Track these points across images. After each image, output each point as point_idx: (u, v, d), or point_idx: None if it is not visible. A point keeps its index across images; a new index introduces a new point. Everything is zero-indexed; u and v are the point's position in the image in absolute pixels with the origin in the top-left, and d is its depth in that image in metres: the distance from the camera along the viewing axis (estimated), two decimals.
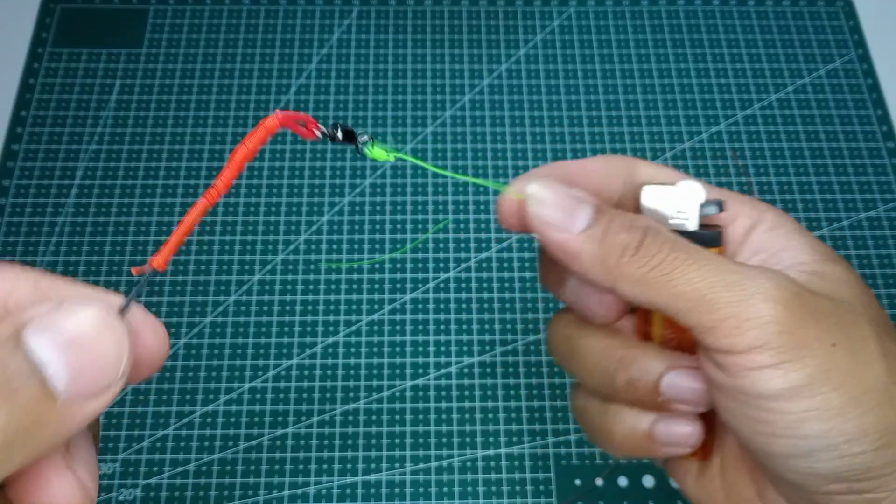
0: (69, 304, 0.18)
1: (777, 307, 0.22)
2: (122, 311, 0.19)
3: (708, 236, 0.24)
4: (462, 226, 0.48)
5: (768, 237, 0.25)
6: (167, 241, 0.21)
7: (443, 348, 0.45)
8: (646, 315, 0.27)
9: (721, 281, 0.22)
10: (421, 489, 0.41)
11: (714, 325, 0.22)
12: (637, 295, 0.23)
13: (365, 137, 0.24)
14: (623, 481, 0.41)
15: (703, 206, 0.24)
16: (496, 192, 0.26)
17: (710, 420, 0.26)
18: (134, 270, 0.22)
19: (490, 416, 0.43)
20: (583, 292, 0.26)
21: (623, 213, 0.24)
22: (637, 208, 0.26)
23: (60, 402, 0.17)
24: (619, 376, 0.26)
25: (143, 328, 0.20)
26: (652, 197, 0.25)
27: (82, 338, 0.17)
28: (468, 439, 0.42)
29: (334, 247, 0.47)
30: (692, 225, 0.24)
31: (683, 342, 0.26)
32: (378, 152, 0.24)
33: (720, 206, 0.24)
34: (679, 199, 0.24)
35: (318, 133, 0.23)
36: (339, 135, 0.24)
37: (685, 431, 0.26)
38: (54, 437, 0.17)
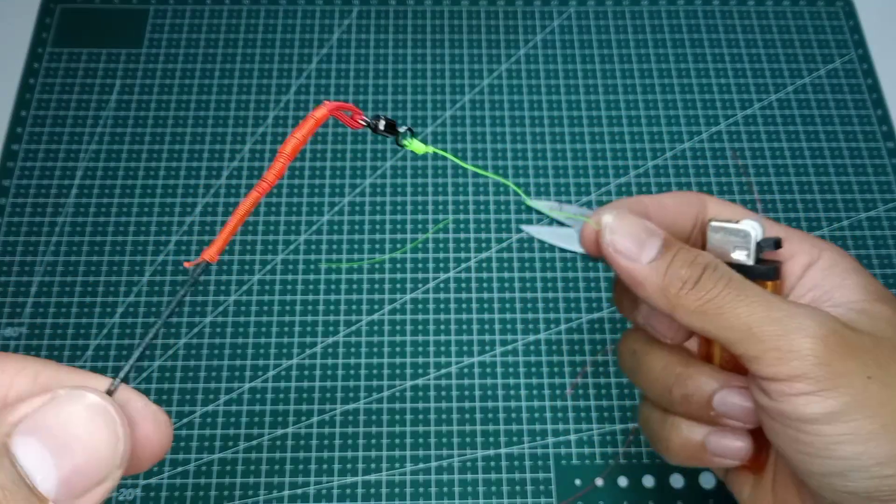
0: (63, 397, 0.18)
1: (816, 342, 0.24)
2: (112, 391, 0.19)
3: (764, 271, 0.27)
4: (462, 226, 0.48)
5: (824, 275, 0.28)
6: (219, 234, 0.21)
7: (443, 348, 0.45)
8: (707, 339, 0.29)
9: (767, 317, 0.25)
10: (421, 489, 0.41)
11: (759, 356, 0.25)
12: (693, 323, 0.26)
13: (404, 128, 0.25)
14: (623, 481, 0.41)
15: (760, 243, 0.27)
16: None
17: (764, 438, 0.28)
18: (187, 265, 0.22)
19: (490, 416, 0.43)
20: (653, 316, 0.29)
21: (688, 249, 0.27)
22: (705, 241, 0.28)
23: None
24: (675, 391, 0.28)
25: (142, 418, 0.19)
26: (717, 232, 0.28)
27: (73, 435, 0.17)
28: (468, 439, 0.42)
29: (334, 247, 0.47)
30: (751, 260, 0.27)
31: (739, 365, 0.28)
32: (417, 145, 0.26)
33: (777, 243, 0.27)
34: (740, 235, 0.27)
35: (362, 122, 0.24)
36: (382, 125, 0.25)
37: (736, 445, 0.28)
38: None
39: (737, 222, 0.27)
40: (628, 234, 0.26)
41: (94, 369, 0.43)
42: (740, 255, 0.27)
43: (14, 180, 0.49)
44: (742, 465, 0.29)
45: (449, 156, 0.27)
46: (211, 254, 0.21)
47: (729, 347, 0.26)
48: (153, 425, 0.19)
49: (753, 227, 0.27)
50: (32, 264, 0.46)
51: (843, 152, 0.51)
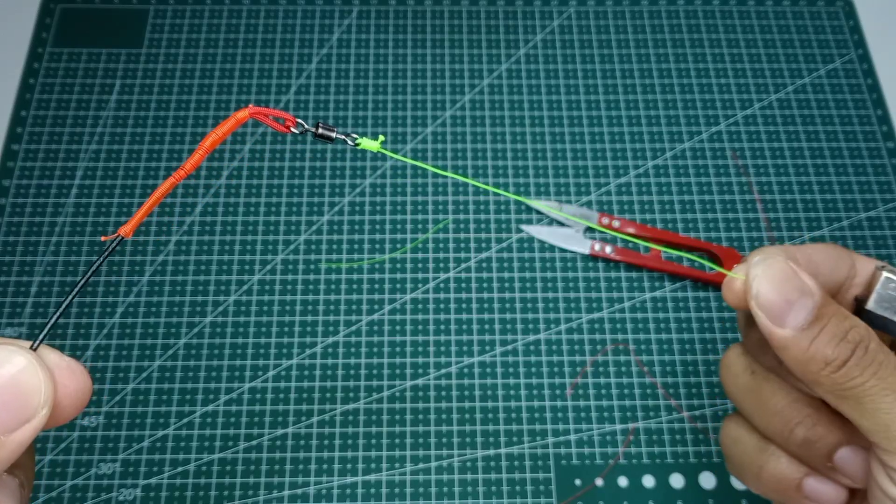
0: None
1: None
2: (33, 347, 0.21)
3: None
4: (462, 226, 0.48)
5: None
6: (136, 213, 0.24)
7: (443, 348, 0.45)
8: None
9: None
10: (421, 489, 0.41)
11: (893, 451, 0.23)
12: (829, 400, 0.25)
13: (354, 135, 0.26)
14: (623, 481, 0.41)
15: None
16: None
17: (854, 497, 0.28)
18: (103, 238, 0.25)
19: (490, 416, 0.43)
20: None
21: (840, 319, 0.24)
22: (870, 288, 0.27)
23: None
24: (799, 430, 0.27)
25: (59, 368, 0.21)
26: (890, 284, 0.26)
27: None
28: (468, 439, 0.42)
29: (334, 247, 0.47)
30: None
31: None
32: (368, 143, 0.26)
33: None
34: None
35: (294, 130, 0.25)
36: (319, 131, 0.25)
37: (834, 496, 0.27)
38: None
39: None
40: (777, 291, 0.24)
41: (93, 369, 0.43)
42: None
43: (14, 180, 0.49)
44: None
45: (401, 157, 0.27)
46: (127, 230, 0.24)
47: (860, 429, 0.24)
48: (69, 373, 0.21)
49: None
50: (32, 264, 0.46)
51: (843, 152, 0.51)
